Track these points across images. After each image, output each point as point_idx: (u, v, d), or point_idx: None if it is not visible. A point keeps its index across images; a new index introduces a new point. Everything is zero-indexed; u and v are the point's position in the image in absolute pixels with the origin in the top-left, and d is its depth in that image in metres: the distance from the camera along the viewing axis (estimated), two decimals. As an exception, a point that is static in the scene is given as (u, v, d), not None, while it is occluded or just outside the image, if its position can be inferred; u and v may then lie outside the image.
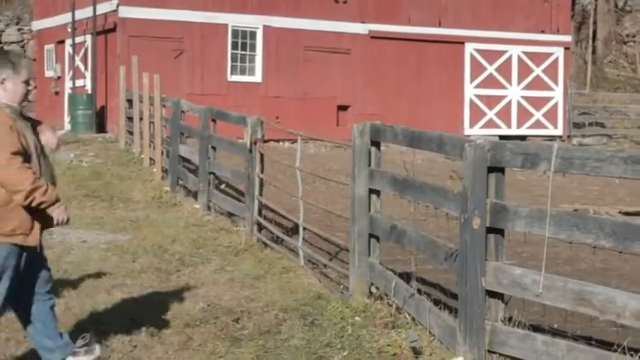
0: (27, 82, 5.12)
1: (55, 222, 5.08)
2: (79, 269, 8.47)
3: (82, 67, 24.14)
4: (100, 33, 23.07)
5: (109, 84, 22.79)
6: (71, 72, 24.28)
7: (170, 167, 14.34)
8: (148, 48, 21.67)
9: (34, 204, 4.92)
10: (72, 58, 24.27)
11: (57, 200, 5.01)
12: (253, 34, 23.91)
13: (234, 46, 23.65)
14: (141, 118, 17.37)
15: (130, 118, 19.07)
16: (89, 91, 23.10)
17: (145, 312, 6.92)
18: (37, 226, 5.05)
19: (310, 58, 24.27)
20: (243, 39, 23.81)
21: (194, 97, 19.00)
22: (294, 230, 9.89)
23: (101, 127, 22.59)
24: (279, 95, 23.66)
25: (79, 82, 23.81)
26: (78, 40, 23.78)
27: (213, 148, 12.03)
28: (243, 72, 23.82)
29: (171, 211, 12.28)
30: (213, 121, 12.23)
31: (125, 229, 10.81)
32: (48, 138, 5.34)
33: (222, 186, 12.93)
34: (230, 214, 11.41)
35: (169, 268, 8.64)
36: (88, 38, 23.55)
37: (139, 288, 7.81)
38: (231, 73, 23.61)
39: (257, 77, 23.91)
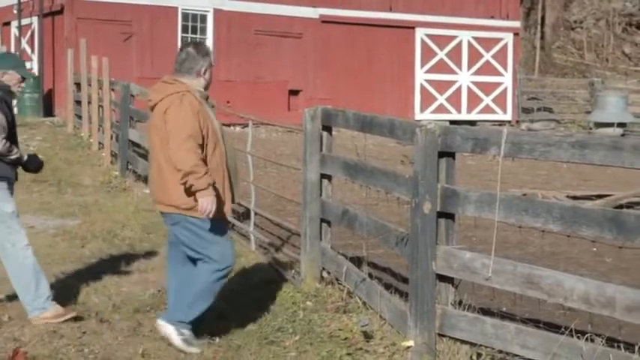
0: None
1: (198, 210, 5.37)
2: (27, 255, 8.34)
3: (28, 50, 23.74)
4: (47, 15, 22.69)
5: (56, 67, 22.46)
6: (17, 54, 23.84)
7: (120, 152, 14.19)
8: (96, 31, 21.39)
9: (186, 186, 5.34)
10: (18, 41, 23.84)
11: (206, 189, 5.32)
12: (204, 18, 23.72)
13: (185, 29, 23.45)
14: (89, 102, 17.14)
15: (78, 102, 18.82)
16: (36, 74, 22.73)
17: (94, 298, 6.85)
18: None
19: (261, 42, 24.17)
20: (194, 22, 23.62)
21: (144, 81, 18.77)
22: (245, 215, 9.85)
23: (49, 111, 22.26)
24: (230, 79, 23.52)
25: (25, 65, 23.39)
26: (24, 22, 23.37)
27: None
28: (193, 56, 23.60)
29: (120, 196, 12.16)
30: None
31: (74, 215, 10.67)
32: None
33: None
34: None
35: (119, 254, 8.56)
36: (35, 20, 23.15)
37: (88, 274, 7.72)
38: (182, 57, 23.39)
39: (207, 61, 23.72)
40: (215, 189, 5.43)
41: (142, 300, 6.85)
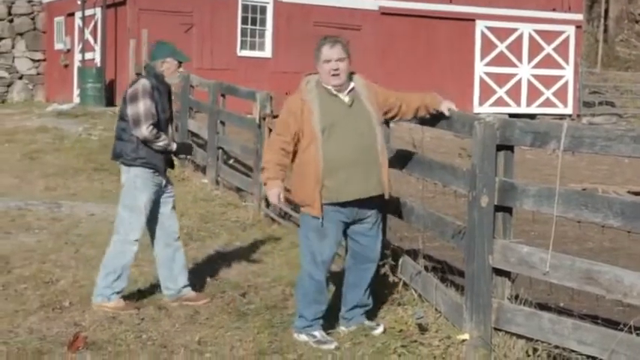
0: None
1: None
2: (88, 242, 8.51)
3: (91, 40, 24.11)
4: (109, 6, 23.01)
5: (118, 57, 22.76)
6: (81, 45, 24.25)
7: (179, 142, 14.31)
8: (157, 22, 21.61)
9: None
10: (81, 31, 24.23)
11: (266, 182, 5.67)
12: (263, 9, 23.83)
13: (244, 20, 23.58)
14: (150, 92, 17.31)
15: (138, 93, 19.00)
16: (98, 65, 23.07)
17: (153, 285, 6.95)
18: None
19: (321, 34, 24.08)
20: (253, 14, 23.73)
21: (203, 72, 18.96)
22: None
23: (110, 101, 22.58)
24: (288, 71, 23.57)
25: (88, 55, 23.78)
26: (88, 12, 23.73)
27: (222, 123, 12.03)
28: (252, 47, 23.76)
29: (179, 186, 12.24)
30: (223, 95, 12.22)
31: (134, 203, 10.82)
32: None
33: (231, 161, 12.94)
34: (238, 189, 11.42)
35: (177, 243, 8.66)
36: (98, 11, 23.49)
37: (146, 262, 7.82)
38: (241, 48, 23.56)
39: (267, 52, 23.86)
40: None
41: (199, 288, 6.93)
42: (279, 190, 5.57)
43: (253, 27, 23.73)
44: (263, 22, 23.86)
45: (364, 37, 24.66)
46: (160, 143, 6.33)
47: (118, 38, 22.86)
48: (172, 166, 6.66)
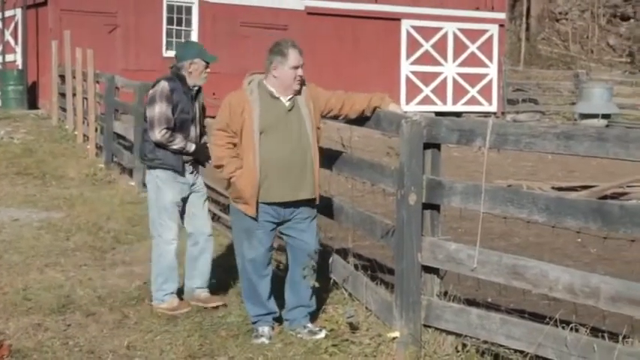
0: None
1: None
2: (11, 248, 8.32)
3: (12, 42, 23.58)
4: (30, 7, 22.54)
5: (40, 59, 22.30)
6: (1, 47, 23.70)
7: (104, 144, 14.12)
8: (80, 23, 21.24)
9: None
10: (1, 33, 23.68)
11: (231, 177, 5.66)
12: (189, 10, 23.63)
13: (170, 21, 23.35)
14: (74, 94, 17.04)
15: (62, 94, 18.70)
16: (20, 67, 22.58)
17: (80, 291, 6.83)
18: None
19: (247, 34, 24.08)
20: (179, 14, 23.51)
21: (129, 73, 18.70)
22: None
23: (33, 104, 22.12)
24: (215, 71, 23.29)
25: (9, 57, 23.25)
26: (8, 13, 23.22)
27: (149, 124, 11.87)
28: (178, 47, 23.53)
29: (105, 189, 12.11)
30: (149, 97, 12.04)
31: (59, 207, 10.63)
32: None
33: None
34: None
35: (104, 246, 8.54)
36: (19, 12, 22.99)
37: (73, 266, 7.70)
38: (167, 49, 23.30)
39: (193, 53, 23.64)
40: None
41: (128, 292, 6.84)
42: None
43: (179, 27, 23.51)
44: (188, 23, 23.66)
45: (290, 36, 24.53)
46: (175, 146, 6.36)
47: (39, 39, 22.40)
48: (203, 164, 6.60)
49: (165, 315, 6.28)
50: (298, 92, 5.72)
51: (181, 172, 6.42)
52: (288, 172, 5.61)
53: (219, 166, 5.69)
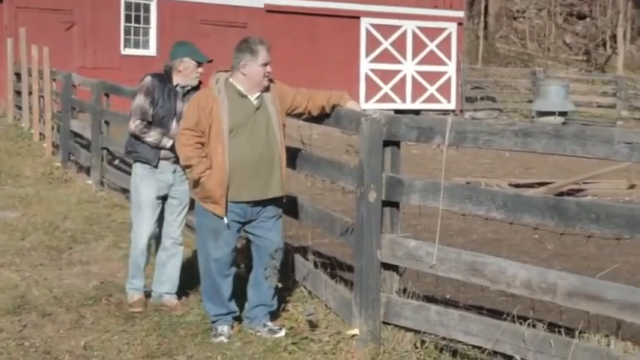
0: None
1: None
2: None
3: (-34, 39, 23.21)
4: (-15, 3, 22.21)
5: (-5, 57, 21.98)
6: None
7: (61, 142, 13.95)
8: (36, 20, 20.99)
9: None
10: (-44, 30, 23.32)
11: (200, 177, 5.63)
12: (147, 7, 23.46)
13: (128, 18, 23.16)
14: (30, 92, 16.80)
15: (18, 92, 18.45)
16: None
17: (35, 291, 6.74)
18: None
19: (206, 32, 23.96)
20: (137, 12, 23.34)
21: (86, 71, 18.51)
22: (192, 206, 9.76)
23: (-12, 102, 21.80)
24: (174, 69, 23.29)
25: (-37, 55, 22.90)
26: (-38, 10, 22.84)
27: (107, 122, 11.76)
28: (137, 45, 23.36)
29: (62, 188, 11.96)
30: (106, 95, 11.94)
31: (14, 206, 10.48)
32: None
33: (116, 162, 12.66)
34: (124, 190, 11.17)
35: (61, 246, 8.43)
36: (-27, 9, 22.65)
37: (28, 266, 7.59)
38: (125, 47, 23.13)
39: (151, 51, 23.48)
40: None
41: (85, 292, 6.76)
42: None
43: (137, 25, 23.34)
44: (147, 20, 23.49)
45: (250, 34, 24.38)
46: (149, 139, 6.37)
47: (-6, 37, 22.08)
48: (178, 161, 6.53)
49: (123, 314, 6.22)
50: (265, 90, 5.70)
51: (157, 166, 6.40)
52: (257, 171, 5.59)
53: (187, 166, 5.64)
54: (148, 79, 6.50)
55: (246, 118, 5.58)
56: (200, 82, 6.49)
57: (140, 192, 6.46)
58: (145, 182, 6.43)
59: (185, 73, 6.42)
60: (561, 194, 12.67)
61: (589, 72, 37.25)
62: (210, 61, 6.49)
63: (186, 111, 5.73)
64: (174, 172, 6.45)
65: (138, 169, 6.49)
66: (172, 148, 6.34)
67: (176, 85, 6.44)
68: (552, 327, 4.68)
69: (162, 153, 6.39)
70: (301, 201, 6.42)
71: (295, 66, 24.95)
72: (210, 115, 5.53)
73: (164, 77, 6.48)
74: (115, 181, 11.50)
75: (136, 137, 6.42)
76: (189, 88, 6.44)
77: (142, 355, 5.40)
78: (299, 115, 5.95)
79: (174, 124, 6.40)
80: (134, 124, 6.38)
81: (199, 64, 6.44)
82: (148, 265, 6.61)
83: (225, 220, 5.60)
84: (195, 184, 5.63)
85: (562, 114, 26.58)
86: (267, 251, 5.75)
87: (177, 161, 6.38)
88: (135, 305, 6.36)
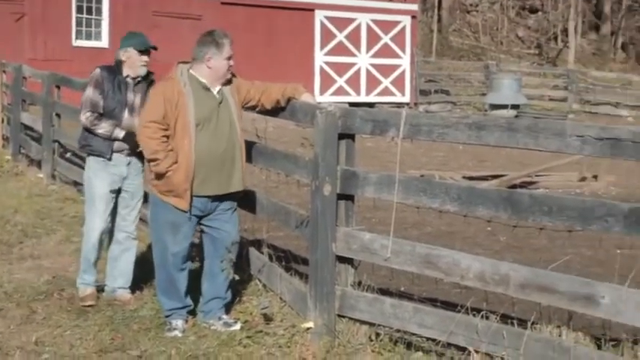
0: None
1: None
2: None
3: None
4: None
5: (-57, 47, 21.57)
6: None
7: (11, 135, 13.76)
8: (-15, 10, 20.63)
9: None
10: None
11: (167, 171, 5.57)
12: (99, -2, 23.18)
13: (79, 10, 22.86)
14: (-21, 84, 16.53)
15: (-33, 84, 18.13)
16: None
17: (-15, 286, 6.63)
18: None
19: (159, 23, 23.75)
20: (89, 3, 23.04)
21: (37, 63, 18.24)
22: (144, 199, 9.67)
23: (-64, 93, 21.38)
24: (126, 61, 23.04)
25: None
26: None
27: (58, 115, 11.61)
28: (88, 37, 23.07)
29: (12, 181, 11.79)
30: (57, 87, 11.79)
31: (-37, 200, 10.30)
32: None
33: (68, 155, 12.50)
34: (76, 184, 11.04)
35: (11, 240, 8.31)
36: None
37: (-23, 261, 7.47)
38: (76, 38, 22.83)
39: (103, 42, 23.20)
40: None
41: (36, 287, 6.67)
42: None
43: (89, 16, 23.05)
44: (99, 12, 23.21)
45: (205, 26, 24.19)
46: (100, 130, 6.31)
47: (-58, 27, 21.67)
48: (141, 159, 6.44)
49: (75, 309, 6.15)
50: (226, 83, 5.66)
51: (110, 159, 6.35)
52: (221, 165, 5.57)
53: (153, 160, 5.53)
54: (97, 71, 6.46)
55: (210, 112, 5.55)
56: (150, 72, 6.44)
57: (93, 186, 6.39)
58: (98, 176, 6.37)
59: (129, 63, 6.38)
60: (514, 187, 12.81)
61: (541, 65, 37.65)
62: (154, 48, 6.44)
63: (151, 103, 5.65)
64: (129, 164, 6.39)
65: (91, 162, 6.43)
66: (125, 140, 6.29)
67: (126, 76, 6.38)
68: (505, 318, 4.73)
69: (116, 145, 6.33)
70: (256, 194, 6.40)
71: (251, 59, 24.86)
72: (177, 108, 5.47)
73: (114, 69, 6.42)
74: (66, 174, 11.36)
75: (88, 130, 6.36)
76: (140, 78, 6.38)
77: (94, 350, 5.34)
78: (253, 108, 5.93)
79: (126, 114, 6.35)
80: (84, 117, 6.33)
81: (141, 53, 6.37)
82: (101, 259, 6.54)
83: (188, 214, 5.56)
84: (159, 177, 5.56)
85: (514, 107, 26.83)
86: (223, 243, 5.72)
87: (131, 153, 6.33)
88: (86, 299, 6.29)
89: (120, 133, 6.31)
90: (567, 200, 4.19)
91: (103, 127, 6.30)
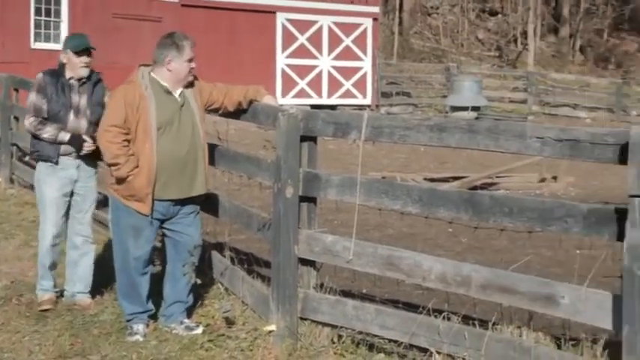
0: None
1: None
2: None
3: None
4: None
5: None
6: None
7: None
8: (-59, 11, 20.33)
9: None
10: None
11: (128, 176, 5.52)
12: (58, 0, 22.94)
13: (38, 11, 22.62)
14: None
15: None
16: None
17: (-58, 292, 6.53)
18: None
19: (120, 25, 23.59)
20: (47, 4, 22.80)
21: (-6, 65, 18.01)
22: (103, 203, 9.59)
23: None
24: (86, 63, 22.84)
25: None
26: None
27: (16, 118, 11.48)
28: (47, 39, 22.83)
29: (-31, 186, 11.62)
30: (16, 90, 11.66)
31: None
32: None
33: (27, 158, 12.35)
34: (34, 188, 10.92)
35: (-31, 245, 8.19)
36: None
37: None
38: (35, 40, 22.58)
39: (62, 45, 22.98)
40: None
41: (-6, 292, 6.58)
42: None
43: (48, 18, 22.81)
44: (58, 13, 22.97)
45: (165, 29, 24.10)
46: (45, 135, 6.25)
47: None
48: (92, 161, 6.36)
49: (34, 315, 6.08)
50: (187, 86, 5.62)
51: (57, 163, 6.28)
52: (184, 169, 5.53)
53: (114, 164, 5.47)
54: (40, 75, 6.42)
55: (172, 115, 5.51)
56: (95, 72, 6.38)
57: (42, 191, 6.35)
58: (46, 181, 6.32)
59: (70, 66, 6.34)
60: (475, 188, 12.90)
61: (501, 68, 37.99)
62: (92, 49, 6.37)
63: (111, 107, 5.58)
64: (78, 167, 6.32)
65: (41, 167, 6.38)
66: (71, 142, 6.24)
67: (70, 79, 6.33)
68: (467, 319, 4.75)
69: (63, 149, 6.27)
70: (219, 197, 6.37)
71: (212, 61, 24.76)
72: (138, 112, 5.42)
73: (57, 72, 6.37)
74: (25, 178, 11.21)
75: (34, 136, 6.32)
76: (84, 79, 6.33)
77: (54, 355, 5.28)
78: (216, 111, 5.90)
79: (71, 117, 6.30)
80: (28, 122, 6.30)
81: (80, 54, 6.31)
82: (61, 263, 6.47)
83: (150, 218, 5.52)
84: (121, 182, 5.51)
85: (475, 109, 27.05)
86: (186, 247, 5.68)
87: (79, 156, 6.26)
88: (43, 304, 6.22)
89: (65, 136, 6.24)
90: (527, 201, 4.23)
91: (48, 132, 6.24)
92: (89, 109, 6.33)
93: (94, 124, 6.21)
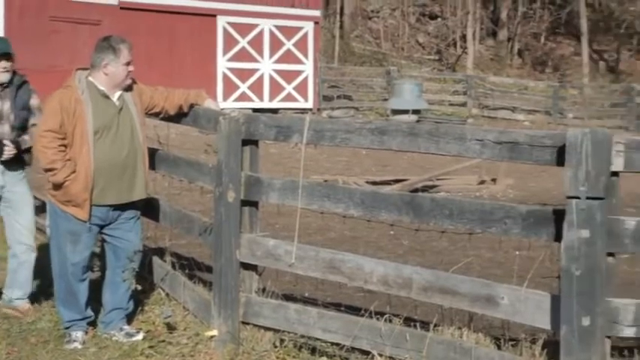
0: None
1: None
2: None
3: None
4: None
5: None
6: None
7: None
8: None
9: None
10: None
11: (65, 182, 5.42)
12: (-7, 1, 22.53)
13: (-27, 13, 22.17)
14: None
15: None
16: None
17: None
18: None
19: (57, 28, 23.24)
20: (-17, 6, 22.37)
21: None
22: (41, 209, 9.43)
23: None
24: (22, 67, 22.40)
25: None
26: None
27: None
28: (-18, 41, 22.37)
29: None
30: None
31: None
32: None
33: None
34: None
35: None
36: None
37: None
38: (-30, 43, 22.12)
39: (-2, 47, 22.55)
40: None
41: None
42: None
43: (-17, 20, 22.36)
44: (-7, 16, 22.54)
45: (103, 32, 23.78)
46: None
47: None
48: (17, 166, 6.20)
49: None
50: (126, 90, 5.56)
51: None
52: (122, 174, 5.47)
53: (50, 170, 5.37)
54: None
55: (110, 119, 5.44)
56: (19, 76, 6.27)
57: None
58: None
59: None
60: (416, 191, 13.00)
61: (441, 71, 38.37)
62: (10, 54, 6.26)
63: (47, 112, 5.49)
64: (2, 173, 6.18)
65: None
66: None
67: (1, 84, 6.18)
68: (408, 321, 4.78)
69: None
70: (159, 202, 6.31)
71: (152, 65, 24.55)
72: (75, 117, 5.35)
73: None
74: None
75: None
76: (5, 84, 6.20)
77: (-10, 365, 5.18)
78: (156, 115, 5.85)
79: None
80: None
81: (3, 59, 6.22)
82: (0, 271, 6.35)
83: (88, 224, 5.44)
84: (57, 187, 5.42)
85: (416, 112, 27.25)
86: (125, 253, 5.62)
87: (2, 162, 6.11)
88: (16, 311, 6.11)
89: None
90: (467, 203, 4.27)
91: None
92: (12, 114, 6.19)
93: (18, 128, 6.10)
